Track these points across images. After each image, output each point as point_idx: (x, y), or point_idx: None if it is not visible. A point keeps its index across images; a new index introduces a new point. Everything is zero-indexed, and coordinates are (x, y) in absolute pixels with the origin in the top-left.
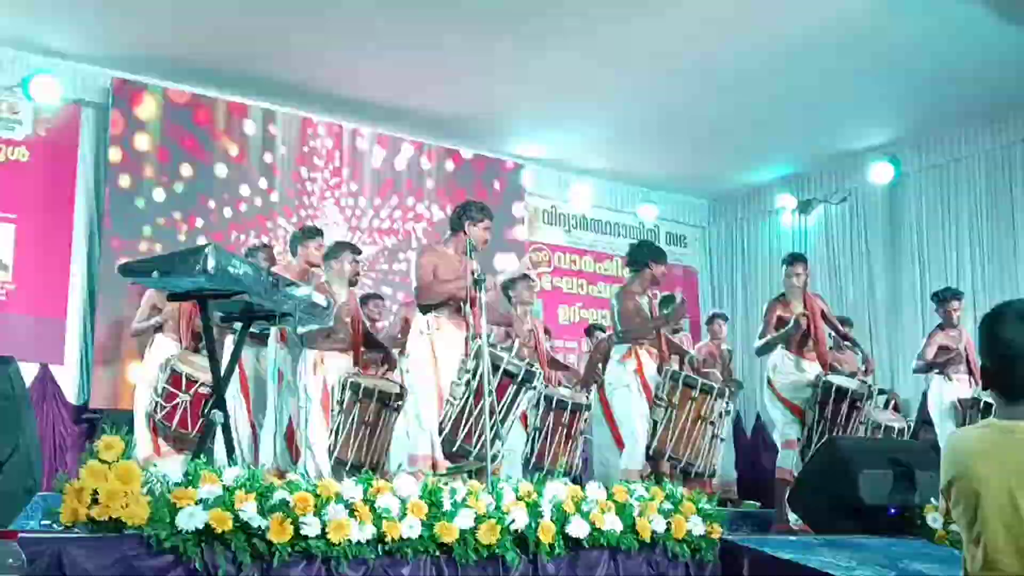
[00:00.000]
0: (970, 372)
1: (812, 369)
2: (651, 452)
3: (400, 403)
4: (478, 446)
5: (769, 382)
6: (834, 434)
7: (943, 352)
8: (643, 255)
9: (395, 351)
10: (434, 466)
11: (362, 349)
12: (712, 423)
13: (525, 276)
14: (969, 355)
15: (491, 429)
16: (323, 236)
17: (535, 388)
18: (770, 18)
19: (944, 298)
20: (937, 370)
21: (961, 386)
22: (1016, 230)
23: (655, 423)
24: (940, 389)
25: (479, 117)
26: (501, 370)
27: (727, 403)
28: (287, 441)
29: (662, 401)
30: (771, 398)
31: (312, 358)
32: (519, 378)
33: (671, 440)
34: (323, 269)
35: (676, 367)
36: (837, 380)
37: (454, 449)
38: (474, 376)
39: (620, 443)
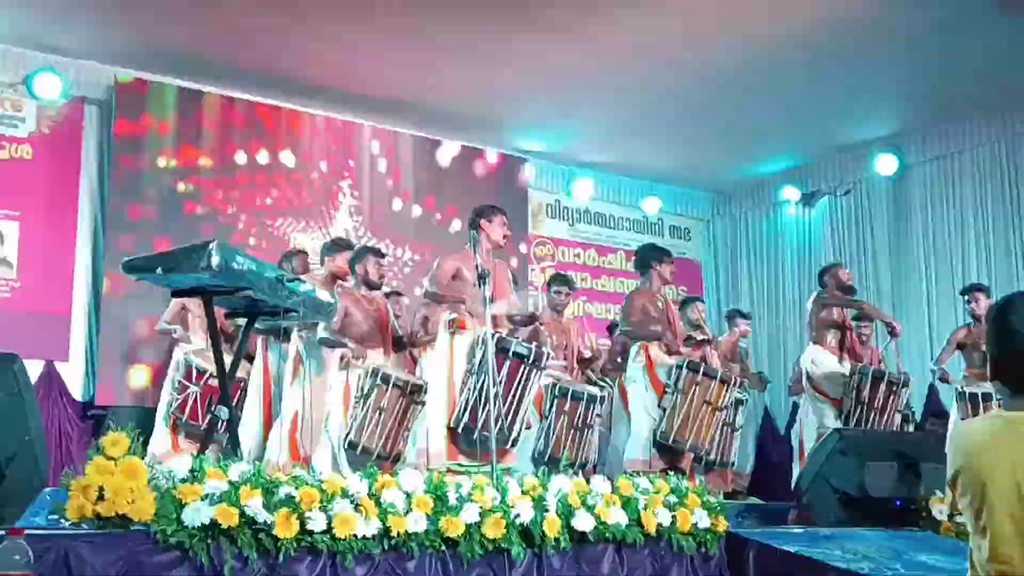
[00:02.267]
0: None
1: (846, 365)
2: (658, 438)
3: (420, 396)
4: (496, 430)
5: (808, 376)
6: (872, 420)
7: (968, 349)
8: (647, 258)
9: (415, 348)
10: (428, 462)
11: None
12: (721, 410)
13: (564, 279)
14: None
15: (497, 412)
16: (352, 249)
17: (543, 368)
18: (773, 10)
19: (965, 292)
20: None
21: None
22: (1022, 221)
23: (663, 411)
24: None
25: (481, 111)
26: (511, 353)
27: (741, 393)
28: (289, 436)
29: (669, 388)
30: (810, 391)
31: (340, 355)
32: (529, 359)
33: (676, 426)
34: (350, 273)
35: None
36: (874, 366)
37: (473, 437)
38: (480, 363)
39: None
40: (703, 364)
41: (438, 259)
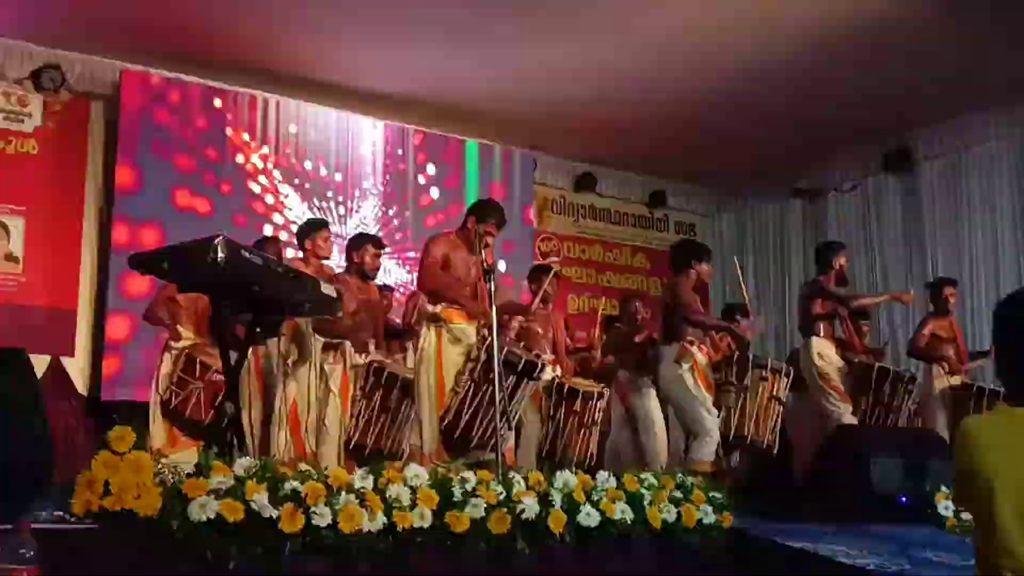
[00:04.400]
0: (959, 361)
1: (848, 357)
2: (732, 439)
3: None
4: (478, 435)
5: (818, 370)
6: (889, 418)
7: (936, 341)
8: (685, 255)
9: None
10: (423, 460)
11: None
12: (783, 403)
13: (550, 270)
14: (959, 344)
15: (494, 419)
16: (328, 227)
17: (536, 380)
18: (780, 6)
19: (938, 286)
20: (932, 361)
21: (952, 376)
22: None
23: (729, 410)
24: (930, 377)
25: (488, 107)
26: (520, 366)
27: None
28: (292, 432)
29: (732, 386)
30: (820, 387)
31: (333, 346)
32: (519, 368)
33: (748, 424)
34: (344, 261)
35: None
36: (889, 364)
37: (455, 436)
38: (477, 365)
39: (637, 438)
40: (768, 359)
41: (425, 246)
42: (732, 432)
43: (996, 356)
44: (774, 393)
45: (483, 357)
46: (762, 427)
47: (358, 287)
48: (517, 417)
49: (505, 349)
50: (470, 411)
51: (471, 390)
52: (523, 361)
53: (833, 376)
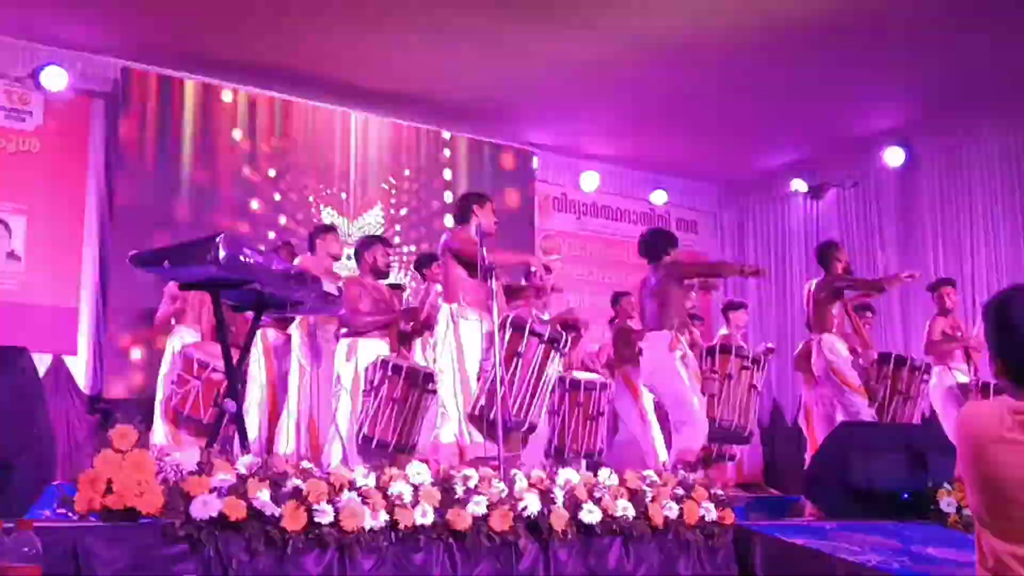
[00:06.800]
0: (967, 358)
1: (857, 351)
2: (717, 426)
3: (432, 385)
4: (517, 412)
5: (833, 367)
6: (906, 409)
7: (946, 339)
8: (661, 245)
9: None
10: (462, 454)
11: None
12: (760, 393)
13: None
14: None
15: (521, 399)
16: (336, 230)
17: (563, 351)
18: (781, 3)
19: (937, 287)
20: (946, 360)
21: (959, 374)
22: None
23: (712, 398)
24: (940, 377)
25: (488, 103)
26: (545, 338)
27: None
28: (308, 430)
29: (716, 374)
30: (836, 382)
31: (347, 345)
32: (560, 344)
33: (729, 411)
34: (356, 262)
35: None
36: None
37: (488, 422)
38: (502, 348)
39: (645, 423)
40: (746, 349)
41: (451, 233)
42: (719, 420)
43: (992, 353)
44: (754, 383)
45: (497, 336)
46: (743, 415)
47: (373, 288)
48: (551, 391)
49: (548, 329)
50: (500, 394)
51: (500, 369)
52: (564, 336)
53: (845, 371)
